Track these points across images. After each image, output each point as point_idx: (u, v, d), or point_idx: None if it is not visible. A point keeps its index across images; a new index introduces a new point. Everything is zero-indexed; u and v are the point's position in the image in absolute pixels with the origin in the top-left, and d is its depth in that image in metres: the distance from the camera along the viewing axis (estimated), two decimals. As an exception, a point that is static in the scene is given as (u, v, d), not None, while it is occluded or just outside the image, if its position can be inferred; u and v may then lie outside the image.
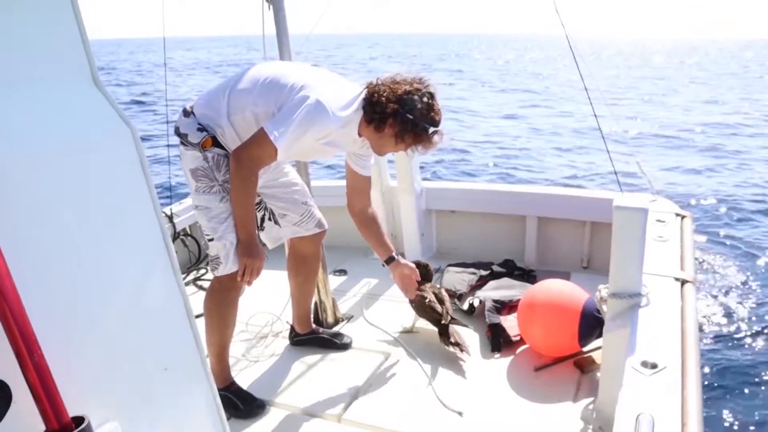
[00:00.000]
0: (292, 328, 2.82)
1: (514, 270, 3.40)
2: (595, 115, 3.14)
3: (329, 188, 3.96)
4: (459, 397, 2.32)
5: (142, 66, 39.61)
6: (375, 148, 2.27)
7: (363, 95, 2.16)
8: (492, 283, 3.17)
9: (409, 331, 2.84)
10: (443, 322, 2.62)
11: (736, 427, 3.30)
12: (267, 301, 3.07)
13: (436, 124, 2.14)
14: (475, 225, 3.82)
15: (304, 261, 2.67)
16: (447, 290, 2.88)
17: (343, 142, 2.25)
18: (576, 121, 14.66)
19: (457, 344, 2.59)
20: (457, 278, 3.26)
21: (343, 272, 3.63)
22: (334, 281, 3.45)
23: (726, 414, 3.40)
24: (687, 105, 19.60)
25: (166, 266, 1.01)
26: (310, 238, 2.60)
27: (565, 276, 3.19)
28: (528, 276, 3.35)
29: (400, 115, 2.08)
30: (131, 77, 29.54)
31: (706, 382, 3.61)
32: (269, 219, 2.54)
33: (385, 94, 2.10)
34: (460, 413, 2.22)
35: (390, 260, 2.60)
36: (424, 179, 3.93)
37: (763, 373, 3.78)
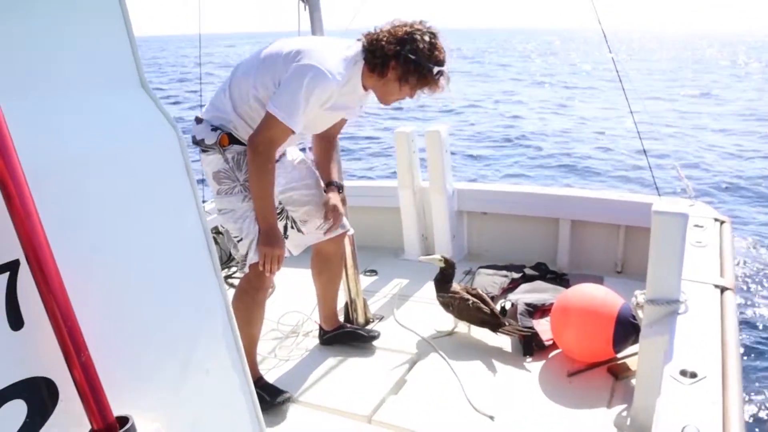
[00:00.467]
0: (321, 328, 2.83)
1: (547, 273, 3.36)
2: (632, 113, 3.08)
3: (361, 188, 3.97)
4: (490, 400, 2.30)
5: (189, 59, 40.63)
6: (381, 96, 2.22)
7: (361, 46, 2.12)
8: (524, 286, 3.14)
9: (449, 334, 2.82)
10: (505, 327, 2.62)
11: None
12: (297, 301, 3.08)
13: (440, 63, 2.07)
14: (507, 227, 3.78)
15: (328, 261, 2.68)
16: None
17: (350, 101, 2.22)
18: (618, 117, 14.58)
19: (516, 330, 2.62)
20: (489, 280, 3.24)
21: (373, 272, 3.63)
22: (365, 281, 3.45)
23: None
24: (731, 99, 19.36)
25: (208, 268, 1.02)
26: (333, 238, 2.60)
27: (599, 280, 3.14)
28: (561, 280, 3.31)
29: (401, 55, 2.03)
30: (179, 74, 30.34)
31: (747, 394, 3.53)
32: (292, 227, 2.54)
33: (384, 39, 2.05)
34: (491, 417, 2.20)
35: (328, 185, 2.55)
36: (477, 180, 3.91)
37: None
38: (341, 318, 2.89)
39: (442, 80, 2.09)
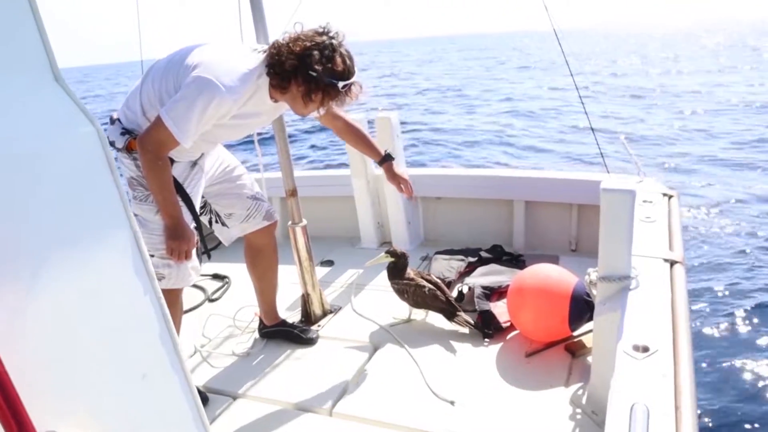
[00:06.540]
0: (261, 320, 2.80)
1: (503, 255, 3.37)
2: (579, 93, 3.11)
3: (315, 178, 3.92)
4: (450, 386, 2.29)
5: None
6: (293, 109, 2.15)
7: (264, 59, 2.04)
8: (480, 270, 3.14)
9: (406, 321, 2.81)
10: (459, 313, 2.64)
11: (729, 408, 3.31)
12: (252, 295, 3.03)
13: (342, 77, 1.98)
14: (461, 211, 3.79)
15: (260, 253, 2.65)
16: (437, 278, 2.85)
17: (262, 110, 2.16)
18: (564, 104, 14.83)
19: (468, 323, 2.63)
20: (445, 265, 3.24)
21: (330, 263, 3.59)
22: (321, 272, 3.42)
23: (718, 395, 3.42)
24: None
25: (139, 269, 0.97)
26: (261, 230, 2.57)
27: (554, 260, 3.17)
28: (516, 261, 3.32)
29: (301, 73, 1.96)
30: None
31: (698, 364, 3.63)
32: (216, 222, 2.50)
33: (284, 55, 1.97)
34: (452, 402, 2.20)
35: (384, 160, 2.62)
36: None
37: (755, 352, 3.80)
38: (299, 311, 2.85)
39: (353, 89, 2.02)
